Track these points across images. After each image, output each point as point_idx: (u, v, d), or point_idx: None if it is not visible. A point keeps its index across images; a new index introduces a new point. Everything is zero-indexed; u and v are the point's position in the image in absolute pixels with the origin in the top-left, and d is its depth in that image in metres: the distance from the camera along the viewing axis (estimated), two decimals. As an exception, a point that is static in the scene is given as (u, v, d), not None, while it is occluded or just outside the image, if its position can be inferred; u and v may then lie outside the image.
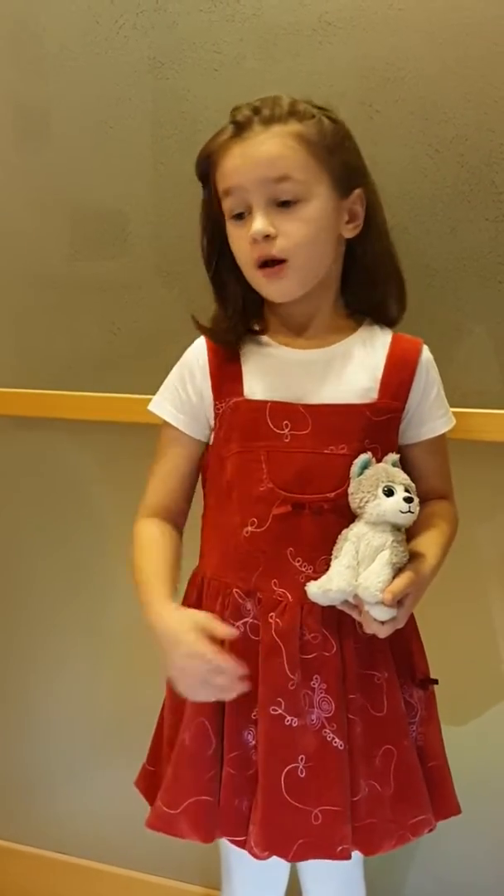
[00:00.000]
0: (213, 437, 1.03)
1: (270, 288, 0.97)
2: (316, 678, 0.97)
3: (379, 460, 0.97)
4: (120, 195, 1.29)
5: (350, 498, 0.95)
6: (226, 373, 1.02)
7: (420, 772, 1.02)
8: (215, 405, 1.02)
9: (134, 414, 1.16)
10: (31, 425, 1.41)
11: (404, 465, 1.02)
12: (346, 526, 0.96)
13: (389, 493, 0.92)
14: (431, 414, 1.04)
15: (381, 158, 1.15)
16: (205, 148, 0.98)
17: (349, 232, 0.99)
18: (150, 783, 1.10)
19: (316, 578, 0.95)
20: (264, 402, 0.99)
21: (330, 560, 0.95)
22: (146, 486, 1.08)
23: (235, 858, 1.09)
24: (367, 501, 0.93)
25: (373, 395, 0.99)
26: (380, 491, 0.92)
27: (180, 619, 0.93)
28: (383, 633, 0.92)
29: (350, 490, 0.95)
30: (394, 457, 0.97)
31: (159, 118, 1.25)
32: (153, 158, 1.26)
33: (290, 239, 0.94)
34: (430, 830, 1.04)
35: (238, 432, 1.00)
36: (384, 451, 0.98)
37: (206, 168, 0.98)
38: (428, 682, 1.06)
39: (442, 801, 1.06)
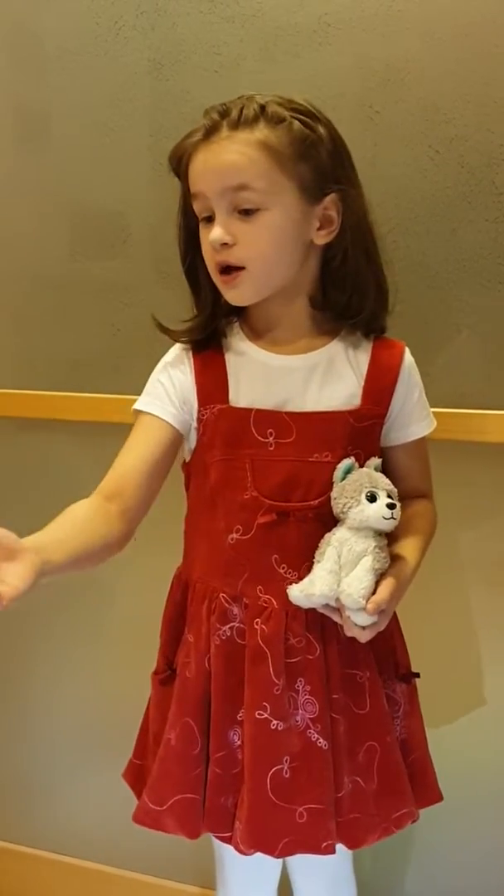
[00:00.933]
0: (196, 441, 1.02)
1: (228, 293, 0.97)
2: (300, 681, 0.98)
3: (361, 465, 0.97)
4: (120, 196, 1.29)
5: (333, 502, 0.95)
6: (210, 378, 1.00)
7: (403, 766, 1.04)
8: (199, 411, 1.00)
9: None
10: (32, 427, 1.41)
11: (385, 466, 1.02)
12: (328, 533, 0.96)
13: (372, 498, 0.92)
14: (413, 417, 1.03)
15: (381, 159, 1.16)
16: (176, 147, 0.97)
17: (321, 238, 0.96)
18: (137, 776, 1.11)
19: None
20: (248, 410, 0.98)
21: (313, 564, 0.95)
22: (112, 466, 1.01)
23: (229, 857, 1.10)
24: (349, 507, 0.93)
25: (356, 402, 0.99)
26: (363, 496, 0.92)
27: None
28: (364, 637, 0.92)
29: (333, 494, 0.95)
30: (376, 461, 0.97)
31: (159, 119, 1.25)
32: (153, 159, 1.26)
33: (247, 248, 0.93)
34: (414, 821, 1.05)
35: (222, 439, 0.99)
36: (367, 457, 0.98)
37: (179, 167, 0.97)
38: (410, 676, 1.07)
39: (424, 791, 1.07)
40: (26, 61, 1.31)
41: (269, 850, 0.99)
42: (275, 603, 0.98)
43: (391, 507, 0.92)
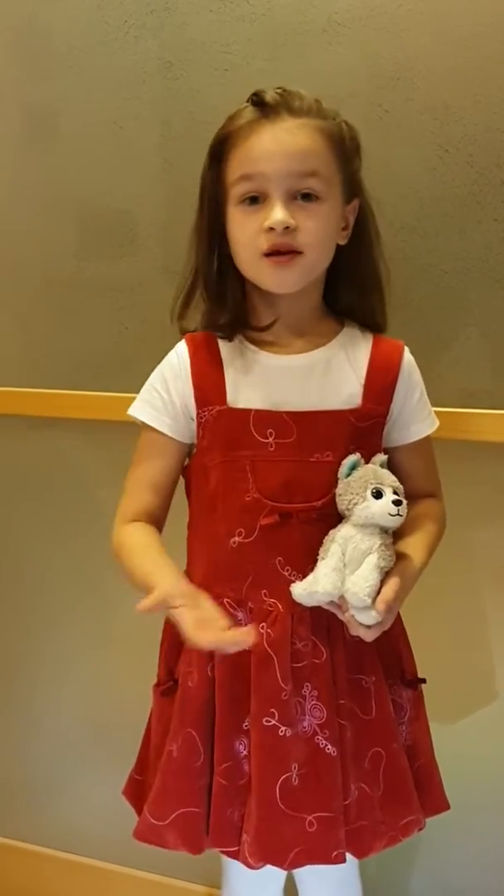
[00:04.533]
0: (196, 444, 1.01)
1: (275, 276, 0.94)
2: (307, 686, 0.97)
3: (367, 462, 0.97)
4: (128, 195, 1.30)
5: (338, 499, 0.94)
6: (208, 380, 0.99)
7: (409, 773, 1.02)
8: (198, 413, 0.99)
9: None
10: (40, 425, 1.41)
11: (390, 467, 1.01)
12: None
13: (378, 495, 0.91)
14: (415, 416, 1.03)
15: (390, 158, 1.15)
16: (225, 127, 0.94)
17: (342, 239, 0.98)
18: (137, 792, 1.09)
19: None
20: (248, 411, 0.97)
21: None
22: (125, 491, 1.05)
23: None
24: (355, 504, 0.92)
25: (356, 401, 0.98)
26: (368, 493, 0.91)
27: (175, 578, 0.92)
28: (370, 636, 0.91)
29: (338, 491, 0.94)
30: (382, 457, 0.96)
31: (168, 118, 1.25)
32: (162, 158, 1.27)
33: (308, 234, 0.92)
34: (420, 830, 1.04)
35: (221, 441, 0.98)
36: (369, 456, 0.97)
37: (223, 148, 0.94)
38: (416, 682, 1.06)
39: (430, 798, 1.06)
40: (35, 59, 1.31)
41: (279, 862, 0.97)
42: (280, 606, 0.96)
43: (397, 503, 0.91)
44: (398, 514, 0.91)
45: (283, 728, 0.96)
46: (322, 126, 0.92)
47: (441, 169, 1.15)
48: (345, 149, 0.94)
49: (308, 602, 0.94)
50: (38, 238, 1.36)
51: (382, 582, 0.90)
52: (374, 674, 1.00)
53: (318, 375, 0.99)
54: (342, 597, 0.91)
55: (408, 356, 1.02)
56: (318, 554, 0.95)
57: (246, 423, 0.97)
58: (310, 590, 0.92)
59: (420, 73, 1.13)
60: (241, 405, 0.98)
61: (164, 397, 1.02)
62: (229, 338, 1.01)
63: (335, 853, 0.97)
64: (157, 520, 1.04)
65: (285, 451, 0.96)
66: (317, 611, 0.95)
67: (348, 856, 1.01)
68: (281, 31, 1.17)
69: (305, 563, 0.96)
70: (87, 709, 1.51)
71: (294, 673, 0.96)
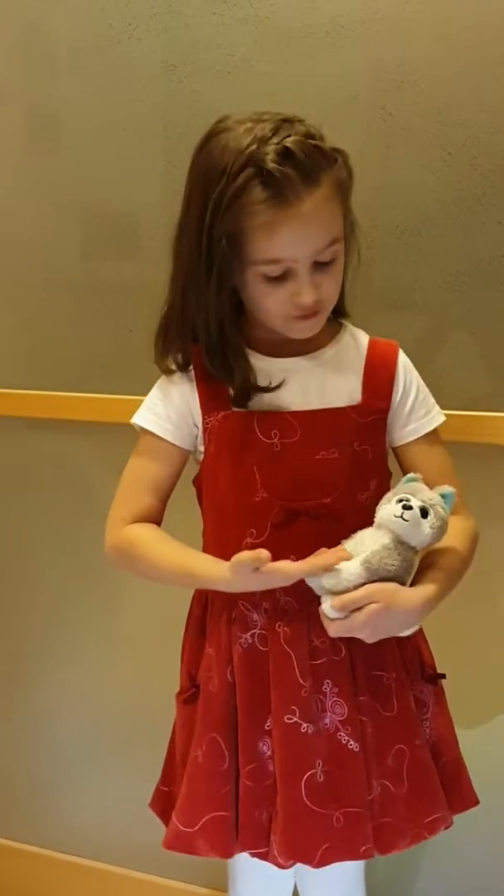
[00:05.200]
0: (203, 452, 1.02)
1: (302, 330, 0.96)
2: (327, 682, 0.98)
3: (369, 461, 0.98)
4: (132, 197, 1.30)
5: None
6: (212, 387, 1.00)
7: (433, 770, 1.02)
8: (204, 420, 1.01)
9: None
10: (44, 427, 1.41)
11: (404, 466, 1.03)
12: (344, 530, 0.96)
13: (405, 505, 0.91)
14: (416, 413, 1.03)
15: (393, 161, 1.15)
16: (234, 219, 0.88)
17: None
18: (165, 804, 1.09)
19: None
20: (251, 413, 0.99)
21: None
22: (120, 495, 1.04)
23: (241, 865, 1.09)
24: (380, 504, 0.94)
25: (356, 398, 1.00)
26: (395, 499, 0.92)
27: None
28: (330, 629, 0.90)
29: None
30: (448, 489, 0.94)
31: (172, 120, 1.25)
32: (165, 161, 1.27)
33: (327, 297, 0.94)
34: (447, 828, 1.04)
35: (228, 445, 0.99)
36: (374, 453, 0.99)
37: (239, 238, 0.89)
38: (436, 677, 1.06)
39: (459, 795, 1.06)
40: (39, 62, 1.31)
41: (308, 860, 0.97)
42: (295, 604, 0.97)
43: (407, 507, 0.89)
44: (402, 518, 0.90)
45: (305, 725, 0.97)
46: (333, 180, 0.90)
47: (444, 171, 1.15)
48: (346, 189, 0.94)
49: (310, 583, 0.91)
50: (41, 240, 1.36)
51: (368, 583, 0.88)
52: (394, 670, 1.00)
53: (318, 375, 1.00)
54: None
55: (403, 355, 1.04)
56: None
57: (251, 425, 0.98)
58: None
59: (423, 76, 1.13)
60: (244, 408, 0.99)
61: (167, 405, 1.03)
62: (241, 405, 0.99)
63: (363, 848, 0.98)
64: (157, 523, 1.04)
65: (291, 450, 0.98)
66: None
67: (350, 864, 1.01)
68: (284, 33, 1.17)
69: None
70: (91, 711, 1.51)
71: (313, 670, 0.97)
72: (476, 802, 1.08)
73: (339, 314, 1.06)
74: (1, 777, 1.61)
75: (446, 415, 1.07)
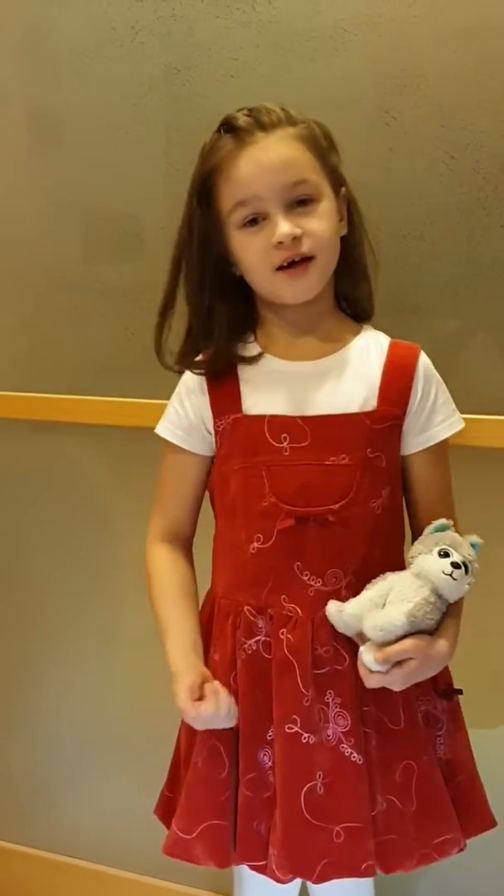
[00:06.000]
0: (215, 455, 1.03)
1: (292, 287, 0.96)
2: (330, 693, 0.96)
3: (382, 469, 0.97)
4: (134, 200, 1.30)
5: (412, 548, 0.95)
6: (223, 390, 1.01)
7: (444, 789, 1.00)
8: (215, 423, 1.01)
9: (147, 419, 1.16)
10: (45, 429, 1.41)
11: (405, 479, 1.02)
12: (353, 538, 0.96)
13: (444, 555, 0.91)
14: (433, 420, 1.01)
15: (396, 165, 1.15)
16: (205, 163, 0.96)
17: (343, 230, 1.00)
18: (168, 809, 1.08)
19: (325, 591, 0.96)
20: (262, 417, 0.98)
21: (341, 574, 0.96)
22: (155, 507, 1.08)
23: (247, 873, 1.08)
24: (419, 553, 0.93)
25: (372, 404, 0.98)
26: (436, 550, 0.92)
27: (186, 669, 0.97)
28: (369, 681, 0.91)
29: (416, 541, 0.96)
30: (477, 540, 0.95)
31: (174, 124, 1.25)
32: (167, 164, 1.27)
33: (315, 236, 0.94)
34: (460, 850, 1.01)
35: (238, 448, 0.99)
36: (388, 461, 0.98)
37: (209, 185, 0.96)
38: (452, 693, 1.04)
39: (474, 816, 1.04)
40: (42, 65, 1.31)
41: (307, 875, 0.96)
42: (300, 611, 0.96)
43: (456, 566, 0.90)
44: (452, 577, 0.90)
45: (307, 735, 0.95)
46: (295, 133, 0.94)
47: (447, 175, 1.15)
48: (321, 147, 0.96)
49: (335, 621, 0.94)
50: (43, 243, 1.36)
51: (408, 635, 0.89)
52: None
53: (332, 379, 0.99)
54: (362, 632, 0.91)
55: (424, 358, 1.02)
56: (336, 559, 0.96)
57: (261, 429, 0.98)
58: (340, 608, 0.93)
59: (426, 80, 1.13)
60: (255, 412, 0.99)
61: (178, 411, 1.04)
62: (207, 374, 1.02)
63: (364, 865, 0.95)
64: (182, 535, 1.07)
65: (300, 455, 0.97)
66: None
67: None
68: (287, 37, 1.17)
69: (324, 568, 0.96)
70: (92, 713, 1.51)
71: (316, 679, 0.96)
72: (493, 824, 1.05)
73: (361, 316, 1.05)
74: (1, 779, 1.60)
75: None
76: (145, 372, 1.31)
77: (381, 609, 0.91)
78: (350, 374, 0.99)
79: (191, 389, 1.04)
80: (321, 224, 0.94)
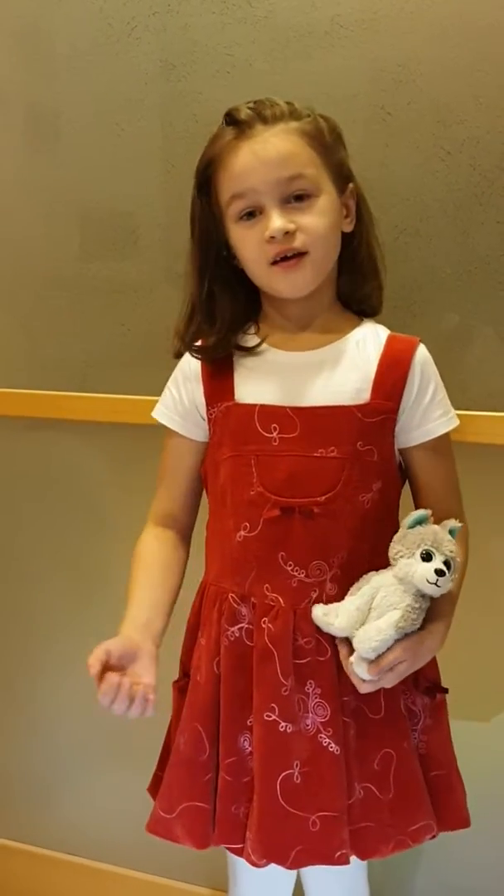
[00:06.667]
0: (208, 442, 1.03)
1: (286, 282, 0.96)
2: (310, 683, 0.97)
3: (374, 462, 0.96)
4: (130, 197, 1.30)
5: (391, 546, 0.94)
6: (218, 377, 1.02)
7: (420, 776, 1.01)
8: (208, 410, 1.02)
9: (144, 416, 1.16)
10: (41, 426, 1.41)
11: (407, 473, 1.02)
12: (339, 531, 0.96)
13: (427, 557, 0.90)
14: (429, 415, 1.00)
15: (392, 161, 1.15)
16: (206, 153, 0.97)
17: (347, 226, 1.00)
18: (157, 788, 1.09)
19: (308, 583, 0.96)
20: (253, 406, 0.99)
21: (325, 567, 0.96)
22: (156, 491, 1.09)
23: (241, 864, 1.08)
24: (402, 556, 0.92)
25: (364, 396, 0.98)
26: (418, 552, 0.91)
27: (118, 636, 0.98)
28: (362, 688, 0.92)
29: (395, 538, 0.95)
30: (456, 525, 0.95)
31: (170, 120, 1.25)
32: (164, 160, 1.27)
33: (309, 232, 0.94)
34: (432, 837, 1.02)
35: (229, 437, 1.00)
36: (380, 454, 0.98)
37: (209, 174, 0.97)
38: (435, 691, 1.04)
39: (448, 812, 1.04)
40: (38, 61, 1.31)
41: (281, 861, 0.97)
42: (282, 601, 0.97)
43: (440, 573, 0.90)
44: (436, 585, 0.90)
45: (284, 724, 0.96)
46: (296, 127, 0.94)
47: (443, 171, 1.14)
48: (324, 141, 0.96)
49: (323, 627, 0.95)
50: (40, 240, 1.36)
51: (396, 642, 0.90)
52: None
53: (326, 371, 0.99)
54: (348, 639, 0.92)
55: (422, 352, 1.01)
56: (321, 550, 0.96)
57: (251, 418, 0.98)
58: (328, 619, 0.93)
59: (422, 76, 1.13)
60: (247, 400, 1.00)
61: (174, 396, 1.06)
62: (206, 360, 1.02)
63: (338, 854, 0.97)
64: (179, 521, 1.08)
65: (289, 445, 0.97)
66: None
67: (356, 860, 1.00)
68: (283, 33, 1.17)
69: (308, 559, 0.96)
70: (89, 710, 1.49)
71: (296, 669, 0.96)
72: (466, 825, 1.06)
73: (368, 313, 1.04)
74: (-1, 776, 1.61)
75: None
76: (142, 368, 1.32)
77: (365, 615, 0.91)
78: (345, 366, 0.99)
79: (187, 376, 1.04)
80: (316, 220, 0.94)
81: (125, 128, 1.28)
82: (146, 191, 1.28)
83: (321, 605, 0.95)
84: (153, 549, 1.06)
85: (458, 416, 1.07)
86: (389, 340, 1.01)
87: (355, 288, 1.04)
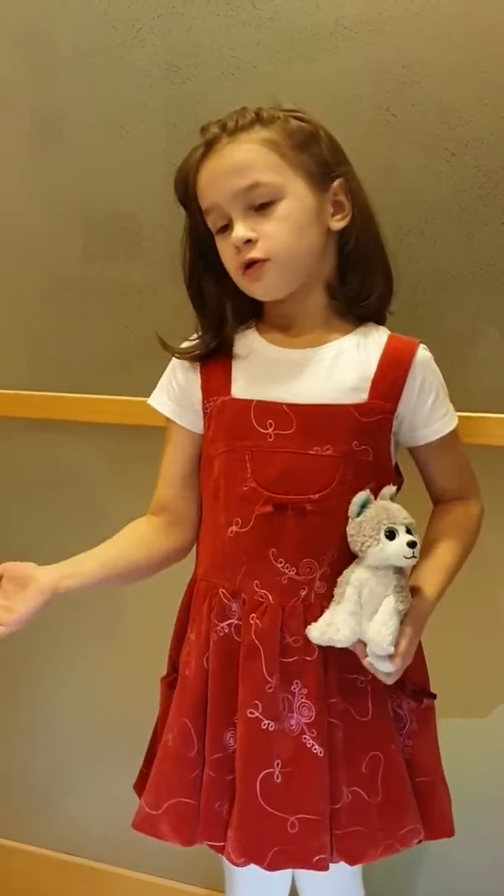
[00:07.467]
0: (203, 436, 1.04)
1: (253, 288, 0.98)
2: (296, 683, 0.96)
3: (369, 462, 0.96)
4: (134, 198, 1.30)
5: (350, 540, 0.94)
6: (215, 372, 1.02)
7: (408, 779, 1.00)
8: (204, 403, 1.02)
9: (146, 417, 1.16)
10: (44, 427, 1.41)
11: (417, 464, 1.02)
12: (331, 530, 0.95)
13: (391, 535, 0.90)
14: (433, 416, 1.01)
15: (397, 162, 1.16)
16: (179, 171, 1.00)
17: (337, 223, 0.99)
18: (143, 785, 1.09)
19: (298, 581, 0.96)
20: (249, 402, 0.99)
21: (316, 565, 0.95)
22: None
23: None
24: (368, 546, 0.91)
25: (362, 396, 0.98)
26: (382, 534, 0.90)
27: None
28: (389, 680, 0.92)
29: (349, 531, 0.94)
30: (391, 490, 0.95)
31: (174, 122, 1.25)
32: (168, 162, 1.26)
33: (269, 240, 0.94)
34: (420, 841, 1.01)
35: (224, 431, 1.00)
36: (376, 454, 0.97)
37: (186, 190, 0.99)
38: (422, 695, 1.04)
39: (432, 820, 1.03)
40: (42, 64, 1.31)
41: (259, 861, 0.96)
42: (271, 598, 0.97)
43: (412, 544, 0.89)
44: (413, 556, 0.90)
45: (267, 722, 0.95)
46: (260, 135, 0.94)
47: (448, 172, 1.14)
48: (294, 143, 0.95)
49: (326, 644, 0.93)
50: (43, 241, 1.36)
51: (402, 625, 0.90)
52: (370, 673, 0.97)
53: (324, 369, 0.99)
54: (360, 641, 0.91)
55: (422, 353, 1.01)
56: (312, 548, 0.95)
57: (247, 414, 0.98)
58: (328, 636, 0.92)
59: (426, 77, 1.13)
60: (244, 396, 1.00)
61: (172, 385, 1.06)
62: (191, 359, 1.04)
63: (317, 858, 0.95)
64: (169, 509, 1.06)
65: (284, 442, 0.97)
66: (311, 606, 0.96)
67: (347, 866, 0.99)
68: (288, 35, 1.18)
69: (299, 557, 0.96)
70: (89, 710, 1.50)
71: (283, 668, 0.96)
72: (450, 833, 1.04)
73: (370, 315, 1.03)
74: (1, 777, 1.60)
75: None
76: (145, 370, 1.31)
77: (361, 616, 0.91)
78: (344, 365, 0.99)
79: (185, 367, 1.05)
80: (276, 226, 0.94)
81: (129, 130, 1.28)
82: (150, 192, 1.28)
83: (312, 625, 0.94)
84: (132, 526, 1.06)
85: (464, 417, 1.07)
86: (390, 341, 1.01)
87: (353, 285, 1.02)
